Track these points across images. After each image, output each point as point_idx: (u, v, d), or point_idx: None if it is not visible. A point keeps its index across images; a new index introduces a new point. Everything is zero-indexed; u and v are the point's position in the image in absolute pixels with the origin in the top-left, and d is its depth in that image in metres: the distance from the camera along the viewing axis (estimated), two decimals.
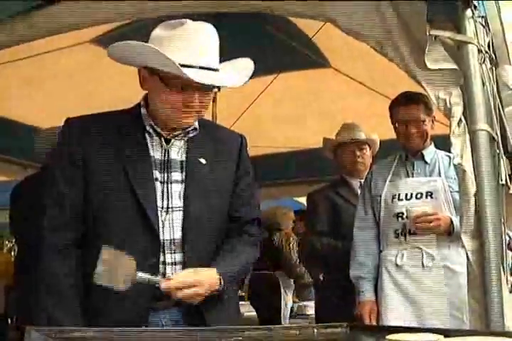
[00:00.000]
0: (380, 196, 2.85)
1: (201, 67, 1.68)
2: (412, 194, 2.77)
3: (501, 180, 2.11)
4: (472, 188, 2.06)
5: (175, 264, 1.76)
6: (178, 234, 1.76)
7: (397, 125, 2.88)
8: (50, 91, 4.17)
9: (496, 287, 2.01)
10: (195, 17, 1.81)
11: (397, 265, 2.73)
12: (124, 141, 1.78)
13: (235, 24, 3.20)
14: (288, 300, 5.20)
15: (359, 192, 3.43)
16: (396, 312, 2.69)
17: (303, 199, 7.52)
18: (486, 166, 2.06)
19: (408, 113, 2.83)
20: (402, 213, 2.76)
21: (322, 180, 5.73)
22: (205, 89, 1.72)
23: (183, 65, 1.63)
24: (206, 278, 1.71)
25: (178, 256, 1.76)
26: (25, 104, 4.31)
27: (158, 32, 1.76)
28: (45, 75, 3.92)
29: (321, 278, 3.94)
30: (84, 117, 1.85)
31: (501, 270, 2.05)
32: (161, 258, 1.74)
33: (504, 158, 2.14)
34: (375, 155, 3.77)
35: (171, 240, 1.75)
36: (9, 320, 4.64)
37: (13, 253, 6.28)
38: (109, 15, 2.57)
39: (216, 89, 1.76)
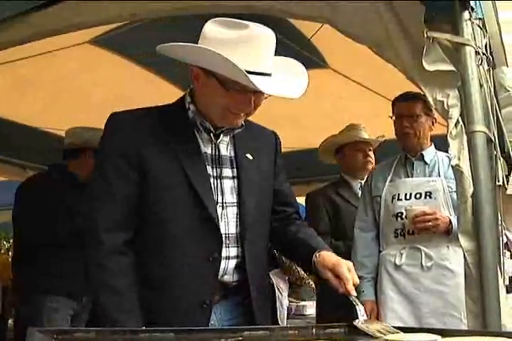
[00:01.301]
0: (380, 196, 2.87)
1: (261, 73, 1.67)
2: (411, 194, 2.80)
3: (498, 181, 2.12)
4: (469, 189, 2.07)
5: (229, 259, 1.77)
6: (233, 229, 1.79)
7: (394, 120, 2.93)
8: (48, 91, 4.18)
9: (493, 287, 2.02)
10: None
11: (396, 265, 2.75)
12: (176, 137, 1.77)
13: None
14: (283, 300, 5.19)
15: (359, 192, 3.44)
16: (395, 312, 2.71)
17: (301, 199, 7.57)
18: (483, 167, 2.07)
19: (404, 108, 2.89)
20: (402, 213, 2.78)
21: (320, 180, 5.76)
22: (261, 92, 1.71)
23: (248, 72, 1.62)
24: (339, 258, 1.77)
25: (233, 251, 1.78)
26: (23, 105, 4.32)
27: (216, 32, 1.70)
28: (44, 76, 3.92)
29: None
30: (130, 112, 1.83)
31: (498, 270, 2.06)
32: (223, 253, 1.75)
33: (501, 159, 2.16)
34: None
35: (227, 234, 1.77)
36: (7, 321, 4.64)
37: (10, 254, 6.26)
38: (109, 16, 2.58)
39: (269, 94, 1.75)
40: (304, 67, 1.84)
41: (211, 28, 1.72)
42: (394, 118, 2.93)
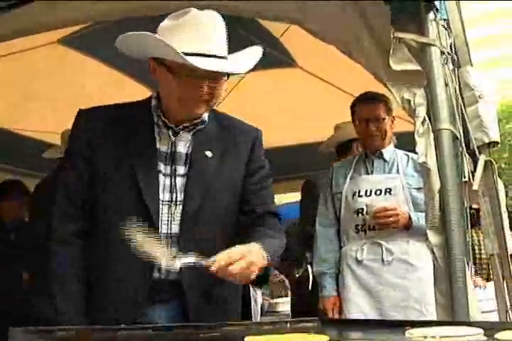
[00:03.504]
0: (341, 193, 2.93)
1: (206, 55, 1.65)
2: (371, 190, 2.85)
3: (464, 177, 2.18)
4: (436, 185, 2.12)
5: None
6: (176, 229, 1.75)
7: (358, 123, 2.96)
8: (16, 91, 4.14)
9: (461, 280, 2.08)
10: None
11: (357, 260, 2.80)
12: (132, 132, 1.77)
13: None
14: (257, 297, 5.23)
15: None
16: (357, 306, 2.76)
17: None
18: (450, 164, 2.13)
19: (369, 111, 2.91)
20: (362, 209, 2.83)
21: (285, 179, 5.80)
22: (214, 78, 1.68)
23: (186, 54, 1.61)
24: (253, 249, 1.64)
25: (173, 250, 1.73)
26: None
27: (164, 23, 1.73)
28: (11, 76, 3.88)
29: (297, 274, 4.00)
30: (95, 108, 1.84)
31: (465, 264, 2.12)
32: None
33: (467, 156, 2.22)
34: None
35: (168, 234, 1.75)
36: None
37: None
38: (79, 16, 2.58)
39: (226, 78, 1.72)
40: (261, 51, 1.79)
41: (163, 22, 1.75)
42: (357, 121, 2.96)
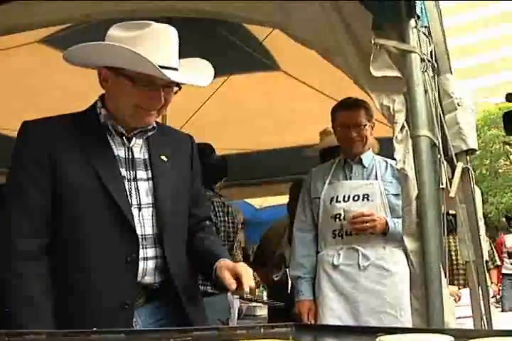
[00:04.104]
0: (319, 198, 2.93)
1: (167, 67, 1.69)
2: (349, 196, 2.86)
3: (442, 184, 2.20)
4: (414, 192, 2.14)
5: (147, 259, 1.77)
6: (149, 230, 1.79)
7: (338, 129, 2.97)
8: None
9: (437, 286, 2.09)
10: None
11: (334, 265, 2.81)
12: (88, 141, 1.77)
13: (186, 24, 3.22)
14: (234, 300, 5.21)
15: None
16: (333, 311, 2.77)
17: (253, 201, 7.61)
18: (427, 171, 2.14)
19: (350, 117, 2.91)
20: (340, 214, 2.84)
21: (272, 181, 5.81)
22: (168, 88, 1.74)
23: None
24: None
25: (151, 252, 1.78)
26: None
27: (119, 32, 1.75)
28: None
29: (275, 277, 4.00)
30: (43, 120, 1.82)
31: (441, 270, 2.13)
32: (140, 254, 1.75)
33: (445, 163, 2.23)
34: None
35: (144, 236, 1.77)
36: None
37: None
38: (61, 16, 2.57)
39: (177, 88, 1.78)
40: (209, 63, 1.88)
41: (114, 30, 1.76)
42: (338, 127, 2.97)
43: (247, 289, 1.68)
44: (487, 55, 49.62)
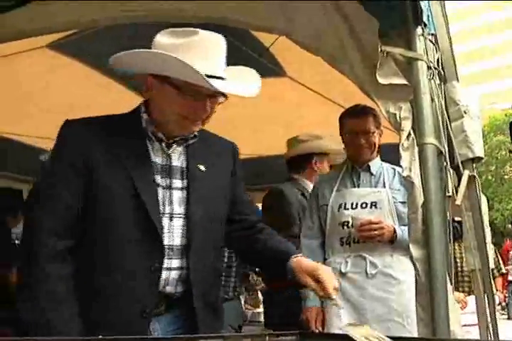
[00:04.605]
0: (327, 205, 2.93)
1: (215, 77, 1.68)
2: (357, 203, 2.86)
3: (448, 192, 2.19)
4: (420, 200, 2.13)
5: (170, 270, 1.76)
6: (178, 241, 1.78)
7: (346, 136, 2.96)
8: (4, 96, 4.12)
9: (442, 295, 2.08)
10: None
11: (341, 272, 2.80)
12: (126, 146, 1.76)
13: None
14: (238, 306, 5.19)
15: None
16: (340, 318, 2.75)
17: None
18: (434, 178, 2.14)
19: (358, 124, 2.92)
20: (348, 222, 2.84)
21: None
22: (214, 97, 1.73)
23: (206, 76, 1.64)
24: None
25: (176, 262, 1.77)
26: None
27: (167, 39, 1.73)
28: (0, 80, 3.86)
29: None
30: (84, 120, 1.81)
31: (447, 278, 2.12)
32: (164, 264, 1.74)
33: (451, 170, 2.23)
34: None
35: (171, 246, 1.76)
36: None
37: None
38: (68, 21, 2.57)
39: (223, 98, 1.77)
40: (256, 72, 1.86)
41: (163, 37, 1.75)
42: (346, 134, 2.97)
43: (333, 294, 1.72)
44: (491, 61, 49.69)
